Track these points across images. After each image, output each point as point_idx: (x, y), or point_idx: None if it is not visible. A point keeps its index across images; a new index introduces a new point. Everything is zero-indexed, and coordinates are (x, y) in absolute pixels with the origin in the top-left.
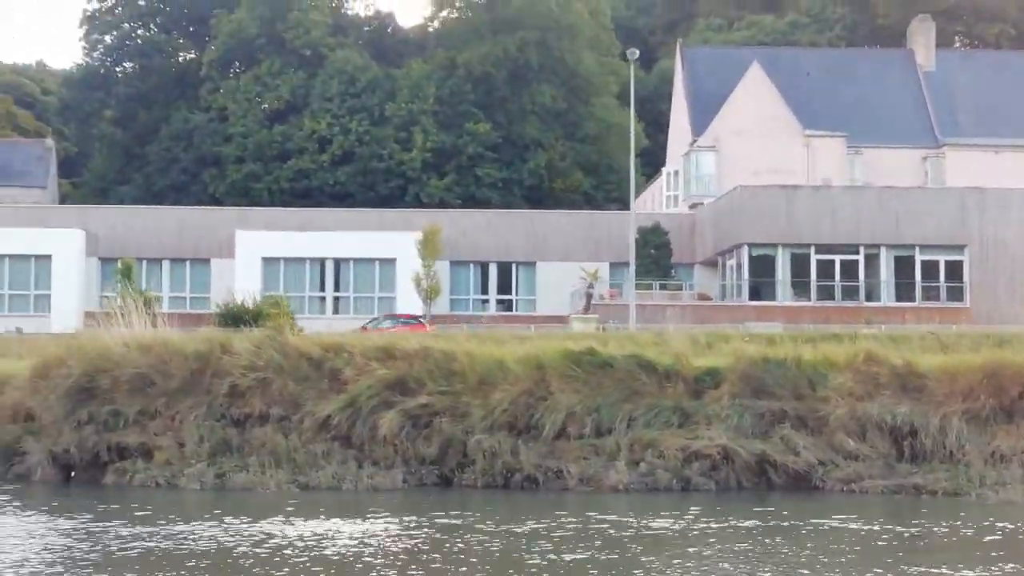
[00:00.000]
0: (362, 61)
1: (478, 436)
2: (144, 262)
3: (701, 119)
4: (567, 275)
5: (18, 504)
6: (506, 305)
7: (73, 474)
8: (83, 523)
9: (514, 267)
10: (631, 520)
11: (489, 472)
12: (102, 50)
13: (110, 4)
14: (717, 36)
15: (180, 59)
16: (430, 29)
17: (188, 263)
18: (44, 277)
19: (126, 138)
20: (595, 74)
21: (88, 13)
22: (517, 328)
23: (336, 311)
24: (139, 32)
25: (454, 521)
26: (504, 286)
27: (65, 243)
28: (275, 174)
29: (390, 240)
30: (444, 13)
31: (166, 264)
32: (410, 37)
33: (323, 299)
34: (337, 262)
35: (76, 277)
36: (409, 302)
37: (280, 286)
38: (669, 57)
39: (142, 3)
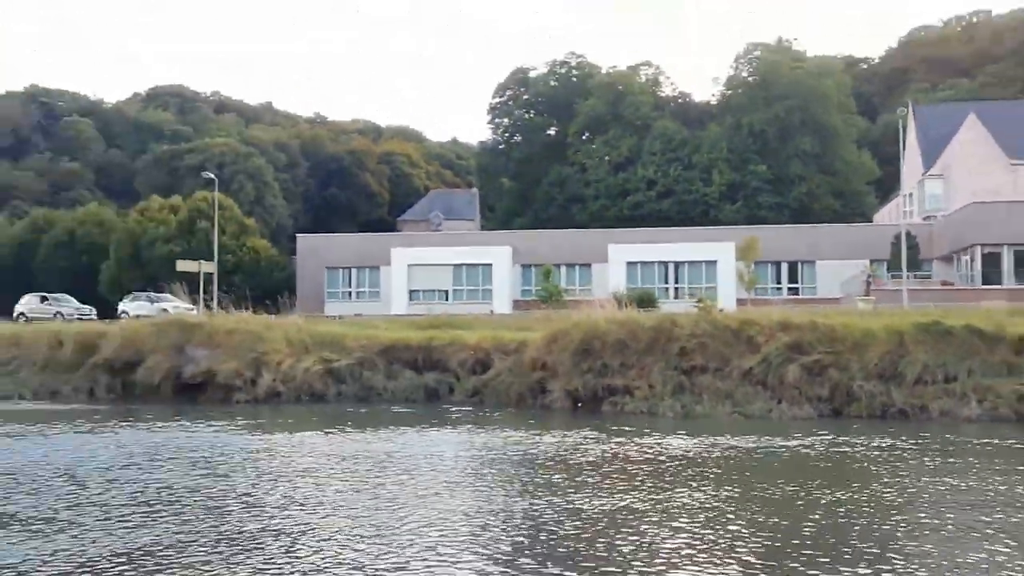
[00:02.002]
0: (674, 126)
1: (859, 382)
2: (561, 267)
3: (929, 156)
4: (837, 270)
5: (542, 423)
6: (794, 291)
7: (579, 404)
8: (590, 437)
9: (799, 265)
10: (984, 440)
11: (869, 407)
12: (502, 129)
13: (505, 99)
14: (924, 96)
15: (553, 132)
16: (719, 101)
17: (577, 267)
18: (487, 278)
19: (520, 187)
20: (839, 127)
21: (492, 106)
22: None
23: (676, 298)
24: (526, 116)
25: (856, 439)
26: (792, 278)
27: (500, 255)
28: (620, 206)
29: (712, 248)
30: (730, 92)
31: (563, 268)
32: (706, 108)
33: (667, 289)
34: (676, 264)
35: (507, 277)
36: (726, 291)
37: (639, 281)
38: (889, 112)
39: (526, 97)
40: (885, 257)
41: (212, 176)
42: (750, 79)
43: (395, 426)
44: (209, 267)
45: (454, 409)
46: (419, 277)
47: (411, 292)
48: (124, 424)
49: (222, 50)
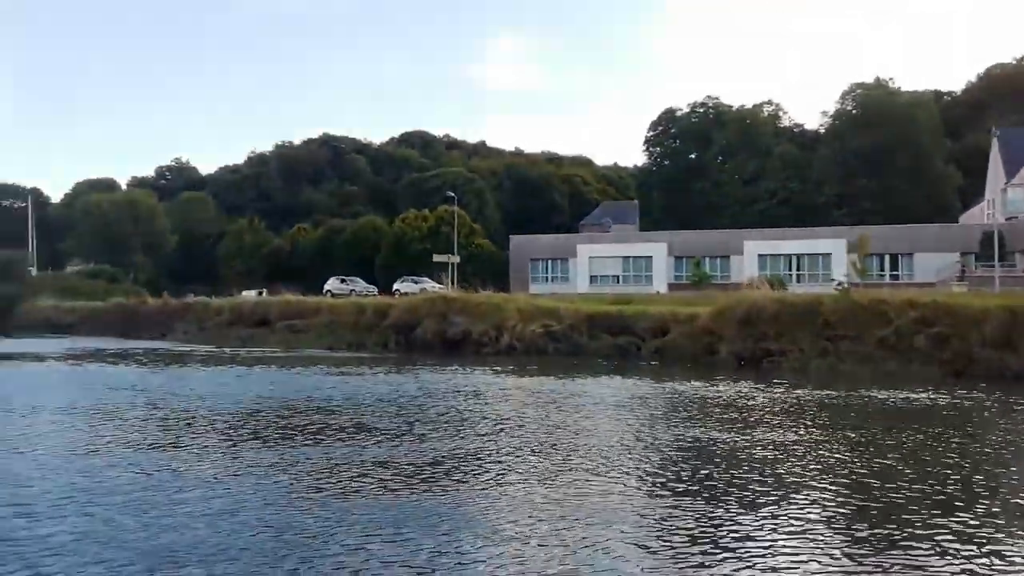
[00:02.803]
0: (791, 149)
1: (977, 349)
2: (706, 258)
3: (1011, 168)
4: (932, 261)
5: (711, 377)
6: (895, 277)
7: (742, 363)
8: (753, 387)
9: (900, 256)
10: None
11: (988, 370)
12: (655, 155)
13: (658, 133)
14: (1001, 121)
15: (694, 156)
16: (827, 128)
17: (718, 259)
18: (648, 267)
19: (669, 199)
20: (930, 147)
21: (647, 138)
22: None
23: (798, 282)
24: (673, 145)
25: (973, 396)
26: (894, 267)
27: (658, 249)
28: (748, 213)
29: (827, 243)
30: (837, 121)
31: (707, 259)
32: (815, 135)
33: (790, 276)
34: (798, 256)
35: (663, 266)
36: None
37: (768, 269)
38: (973, 134)
39: (673, 130)
40: (974, 250)
41: (452, 195)
42: (854, 111)
43: (603, 375)
44: (455, 259)
45: (642, 363)
46: (597, 266)
47: (591, 277)
48: (412, 369)
49: (449, 98)
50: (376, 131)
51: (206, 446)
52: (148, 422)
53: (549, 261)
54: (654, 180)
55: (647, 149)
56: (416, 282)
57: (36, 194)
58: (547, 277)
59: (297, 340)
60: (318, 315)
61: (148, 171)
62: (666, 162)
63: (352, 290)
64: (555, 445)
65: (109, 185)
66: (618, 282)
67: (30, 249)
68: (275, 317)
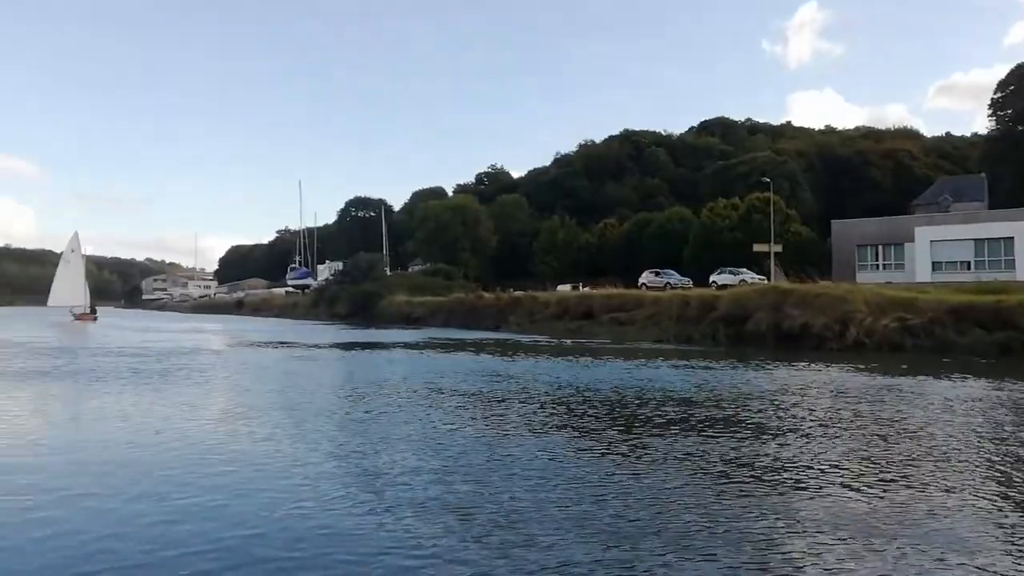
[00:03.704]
0: None
1: None
2: None
3: None
4: None
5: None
6: None
7: None
8: None
9: None
10: None
11: None
12: (1005, 120)
13: (1006, 94)
14: None
15: None
16: None
17: None
18: (1009, 250)
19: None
20: None
21: (994, 100)
22: None
23: None
24: None
25: None
26: None
27: (1020, 229)
28: None
29: None
30: None
31: None
32: None
33: None
34: None
35: None
36: None
37: None
38: None
39: None
40: None
41: (767, 180)
42: None
43: (988, 376)
44: (776, 248)
45: None
46: (941, 250)
47: (933, 263)
48: (755, 362)
49: (747, 80)
50: (674, 122)
51: (618, 433)
52: (553, 406)
53: (880, 247)
54: (1004, 149)
55: (993, 114)
56: (735, 273)
57: (384, 205)
58: (877, 265)
59: (623, 332)
60: (641, 307)
61: (468, 178)
62: (1020, 127)
63: (667, 283)
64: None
65: (438, 193)
66: (969, 268)
67: (384, 252)
68: (599, 310)
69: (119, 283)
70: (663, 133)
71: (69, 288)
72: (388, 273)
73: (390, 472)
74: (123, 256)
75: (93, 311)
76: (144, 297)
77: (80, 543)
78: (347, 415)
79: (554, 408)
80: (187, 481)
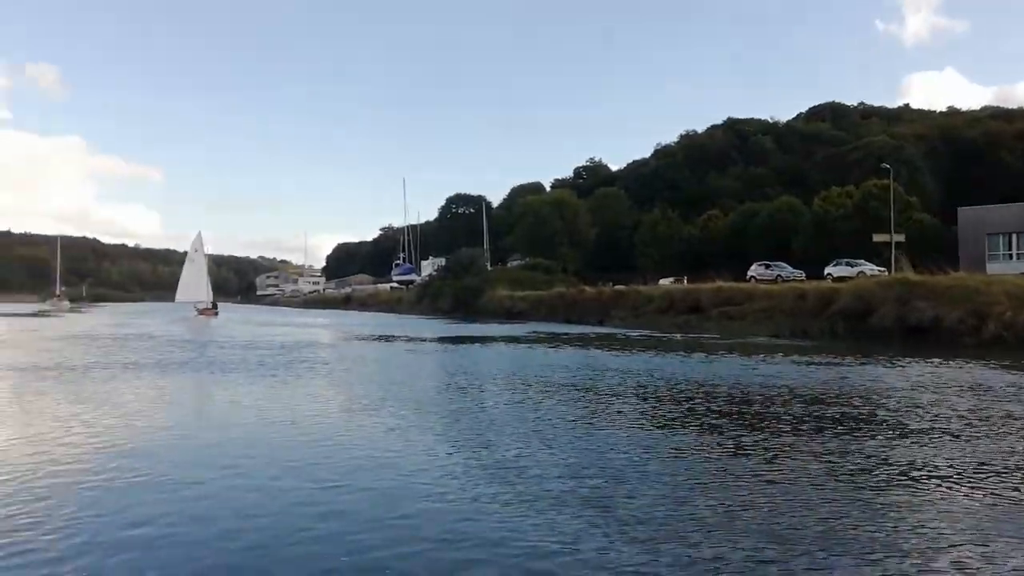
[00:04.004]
0: None
1: None
2: None
3: None
4: None
5: None
6: None
7: None
8: None
9: None
10: None
11: None
12: None
13: None
14: None
15: None
16: None
17: None
18: None
19: None
20: None
21: None
22: None
23: None
24: None
25: None
26: None
27: None
28: None
29: None
30: None
31: None
32: None
33: None
34: None
35: None
36: None
37: None
38: None
39: None
40: None
41: (887, 167)
42: None
43: None
44: (898, 237)
45: None
46: None
47: None
48: (884, 359)
49: (860, 62)
50: (781, 109)
51: (736, 430)
52: (676, 403)
53: (1014, 235)
54: None
55: None
56: (852, 265)
57: (484, 201)
58: (1011, 255)
59: (733, 327)
60: (751, 301)
61: (567, 172)
62: None
63: (778, 275)
64: None
65: (536, 188)
66: None
67: (484, 247)
68: (707, 304)
69: (235, 280)
70: (770, 121)
71: (194, 285)
72: (488, 268)
73: (521, 465)
74: (239, 254)
75: (214, 306)
76: (258, 293)
77: (257, 528)
78: (467, 407)
79: (675, 404)
80: (330, 472)
